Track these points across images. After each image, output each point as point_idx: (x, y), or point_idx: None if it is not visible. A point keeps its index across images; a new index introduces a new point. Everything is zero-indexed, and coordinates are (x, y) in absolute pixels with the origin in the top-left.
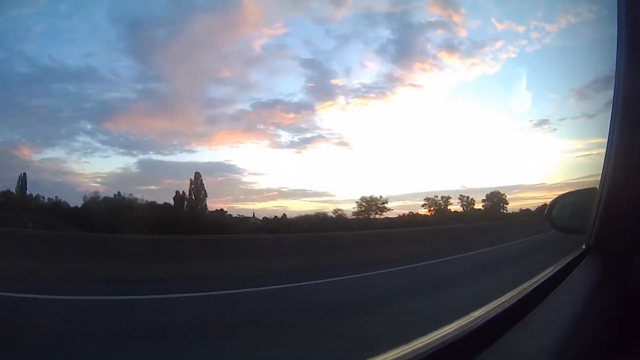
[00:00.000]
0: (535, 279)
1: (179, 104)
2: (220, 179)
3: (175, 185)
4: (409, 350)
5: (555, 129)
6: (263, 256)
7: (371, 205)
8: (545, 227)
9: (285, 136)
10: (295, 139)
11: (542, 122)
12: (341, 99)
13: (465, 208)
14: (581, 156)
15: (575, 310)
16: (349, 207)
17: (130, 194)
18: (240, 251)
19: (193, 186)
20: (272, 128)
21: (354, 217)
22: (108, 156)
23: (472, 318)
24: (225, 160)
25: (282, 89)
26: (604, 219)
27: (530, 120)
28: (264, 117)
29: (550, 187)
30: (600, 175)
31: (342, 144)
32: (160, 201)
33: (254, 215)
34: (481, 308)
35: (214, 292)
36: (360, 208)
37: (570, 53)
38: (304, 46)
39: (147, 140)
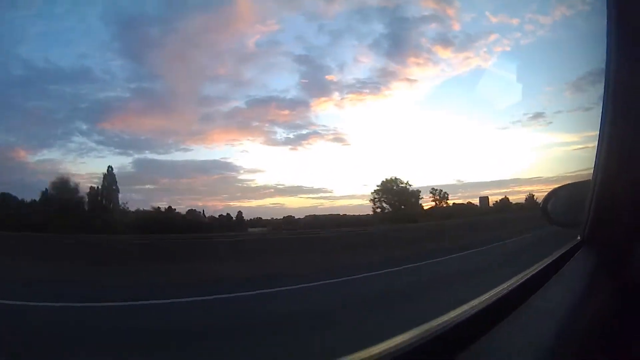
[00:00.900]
0: (527, 272)
1: (173, 102)
2: (215, 177)
3: (173, 183)
4: (392, 345)
5: (550, 122)
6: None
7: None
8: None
9: (281, 133)
10: (291, 135)
11: (538, 116)
12: (336, 95)
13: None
14: (577, 149)
15: (568, 302)
16: (349, 202)
17: None
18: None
19: (105, 182)
20: (267, 125)
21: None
22: (103, 156)
23: (460, 312)
24: (221, 158)
25: (276, 86)
26: (597, 210)
27: (525, 114)
28: (259, 114)
29: (546, 180)
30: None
31: (338, 139)
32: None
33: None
34: (469, 302)
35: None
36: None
37: (564, 45)
38: (297, 42)
39: (143, 139)
